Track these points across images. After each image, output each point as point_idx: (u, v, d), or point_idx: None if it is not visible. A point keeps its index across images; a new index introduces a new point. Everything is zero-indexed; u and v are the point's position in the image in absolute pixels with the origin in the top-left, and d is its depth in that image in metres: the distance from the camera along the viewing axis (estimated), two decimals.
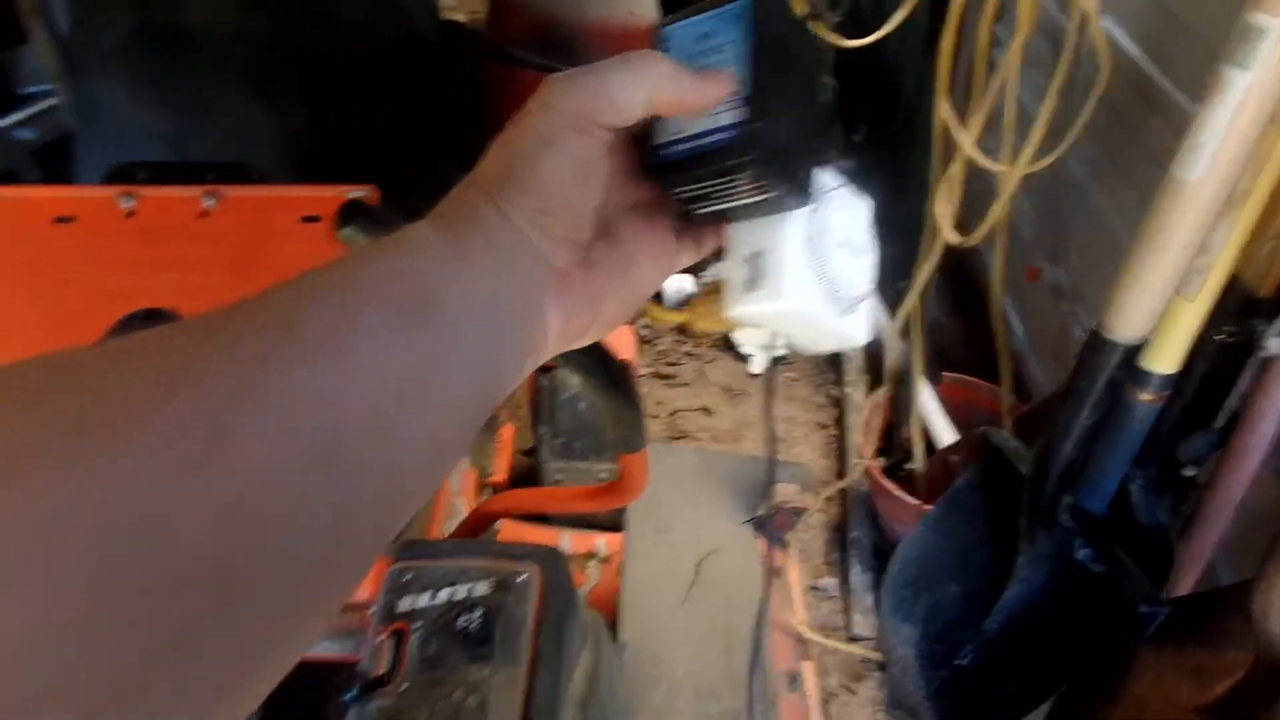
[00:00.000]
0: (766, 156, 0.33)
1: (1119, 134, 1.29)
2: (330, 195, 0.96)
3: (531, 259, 0.31)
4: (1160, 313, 0.71)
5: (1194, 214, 0.64)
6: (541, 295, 0.31)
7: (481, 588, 0.77)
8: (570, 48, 1.84)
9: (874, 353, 1.72)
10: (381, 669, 0.65)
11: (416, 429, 0.25)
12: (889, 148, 1.80)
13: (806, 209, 0.37)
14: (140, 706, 0.17)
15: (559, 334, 0.32)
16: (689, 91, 0.33)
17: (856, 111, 2.33)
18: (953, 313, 1.91)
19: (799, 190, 0.35)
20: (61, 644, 0.16)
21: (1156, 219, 0.65)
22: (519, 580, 0.77)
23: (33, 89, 1.81)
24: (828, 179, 0.39)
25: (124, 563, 0.17)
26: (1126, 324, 0.70)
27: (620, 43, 1.82)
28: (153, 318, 0.95)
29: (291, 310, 0.24)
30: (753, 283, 0.37)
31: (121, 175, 1.08)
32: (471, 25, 2.27)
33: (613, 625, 1.20)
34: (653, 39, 0.37)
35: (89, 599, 0.16)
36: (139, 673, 0.17)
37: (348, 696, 0.63)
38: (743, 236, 0.38)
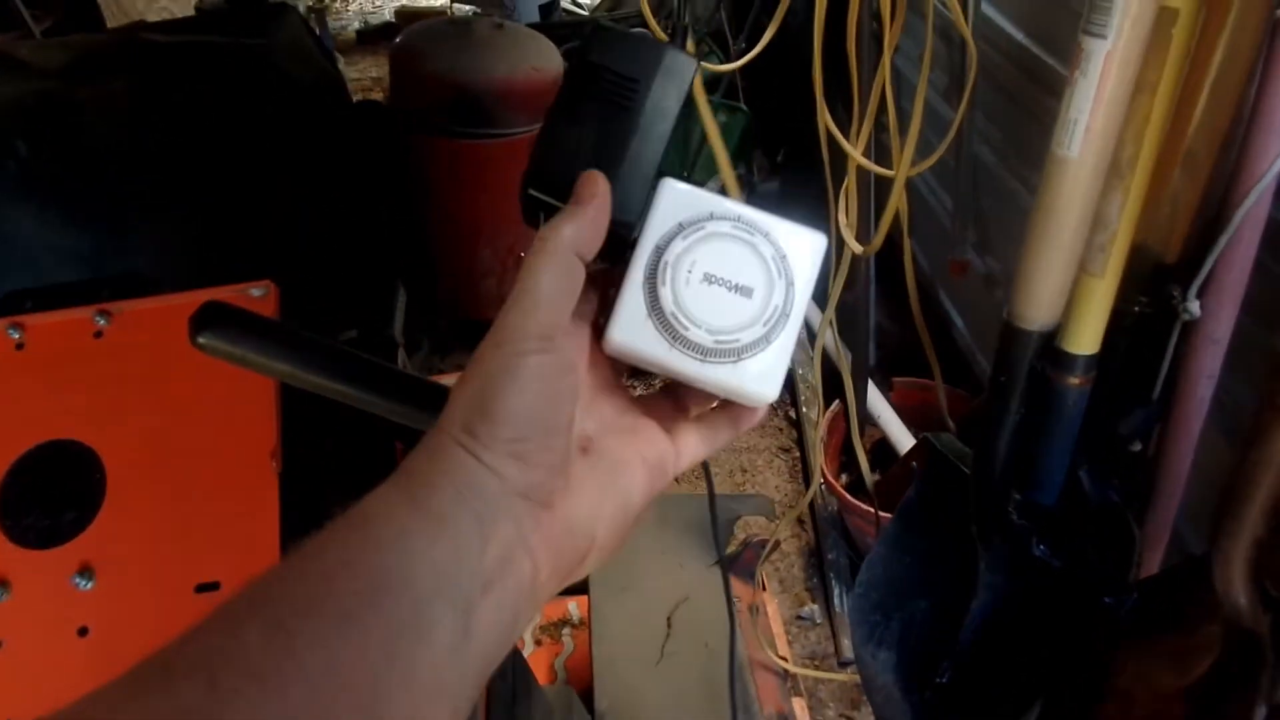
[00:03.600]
0: None
1: (1019, 117, 1.30)
2: (227, 295, 0.92)
3: (509, 500, 0.29)
4: (1069, 294, 0.69)
5: (1080, 189, 0.62)
6: (522, 541, 0.29)
7: None
8: (479, 107, 1.85)
9: (830, 368, 1.70)
10: None
11: None
12: (809, 165, 1.81)
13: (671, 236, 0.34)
14: None
15: (551, 572, 0.30)
16: (583, 212, 0.32)
17: (777, 132, 2.35)
18: (898, 318, 1.90)
19: None
20: None
21: (1045, 199, 0.64)
22: None
23: None
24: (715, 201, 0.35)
25: None
26: (1037, 309, 0.68)
27: (525, 98, 1.83)
28: (57, 451, 0.91)
29: (219, 646, 0.21)
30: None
31: (7, 306, 1.03)
32: (389, 104, 2.27)
33: (590, 694, 1.15)
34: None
35: None
36: None
37: None
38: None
